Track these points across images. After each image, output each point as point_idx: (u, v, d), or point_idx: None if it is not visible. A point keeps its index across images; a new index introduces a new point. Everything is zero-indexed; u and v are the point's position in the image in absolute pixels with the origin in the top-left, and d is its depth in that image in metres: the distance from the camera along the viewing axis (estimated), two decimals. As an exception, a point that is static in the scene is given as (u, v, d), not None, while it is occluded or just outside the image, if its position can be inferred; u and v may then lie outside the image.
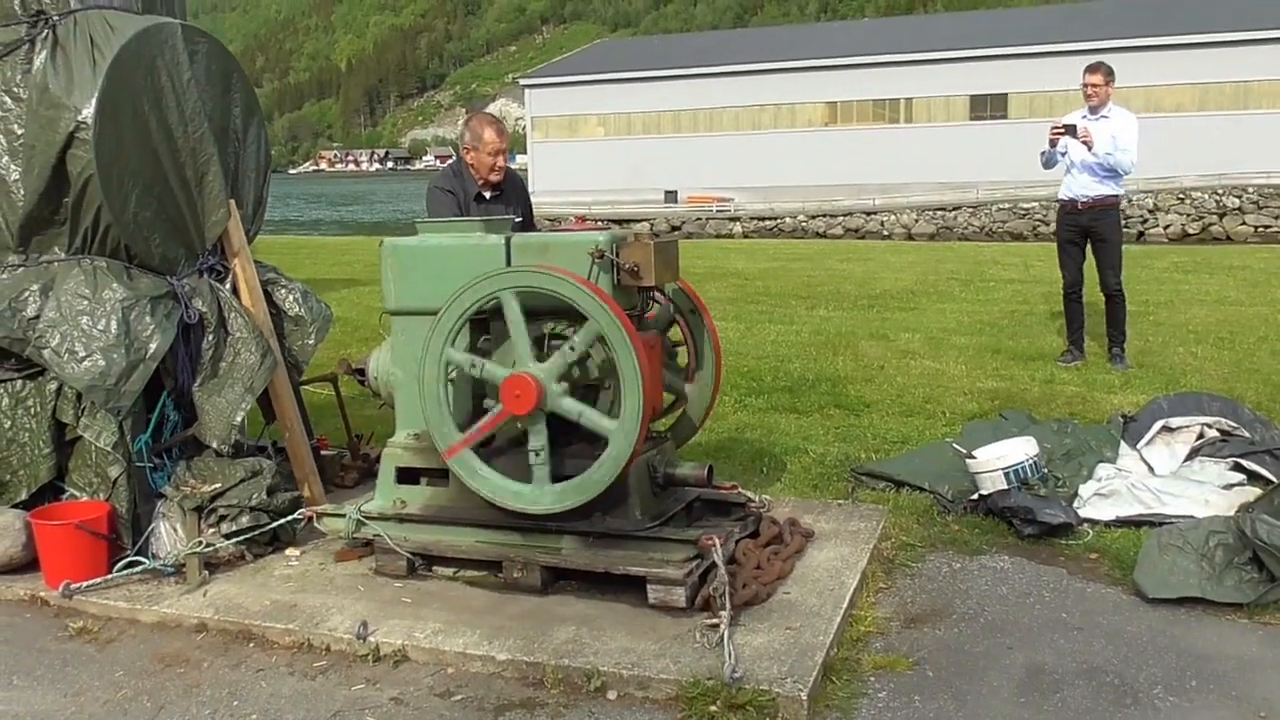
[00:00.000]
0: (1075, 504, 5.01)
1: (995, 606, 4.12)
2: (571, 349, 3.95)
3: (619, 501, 4.10)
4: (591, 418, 3.96)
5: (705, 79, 45.68)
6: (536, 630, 3.79)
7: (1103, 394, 7.31)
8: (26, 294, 4.51)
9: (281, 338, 5.23)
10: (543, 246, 4.19)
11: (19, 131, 4.59)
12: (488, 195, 5.38)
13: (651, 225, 38.54)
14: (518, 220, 5.26)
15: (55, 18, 4.64)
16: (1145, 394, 6.97)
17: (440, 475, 4.34)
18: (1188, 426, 5.65)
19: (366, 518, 4.39)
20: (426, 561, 4.35)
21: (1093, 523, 4.87)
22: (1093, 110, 8.07)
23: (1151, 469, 5.42)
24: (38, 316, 4.48)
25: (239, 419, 4.75)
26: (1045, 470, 5.16)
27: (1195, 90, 38.85)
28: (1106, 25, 41.83)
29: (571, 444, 4.13)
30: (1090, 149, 7.90)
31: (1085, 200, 8.08)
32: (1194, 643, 3.79)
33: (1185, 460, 5.45)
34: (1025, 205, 34.88)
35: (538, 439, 4.00)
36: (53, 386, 4.56)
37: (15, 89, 4.62)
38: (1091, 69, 8.12)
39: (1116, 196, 8.15)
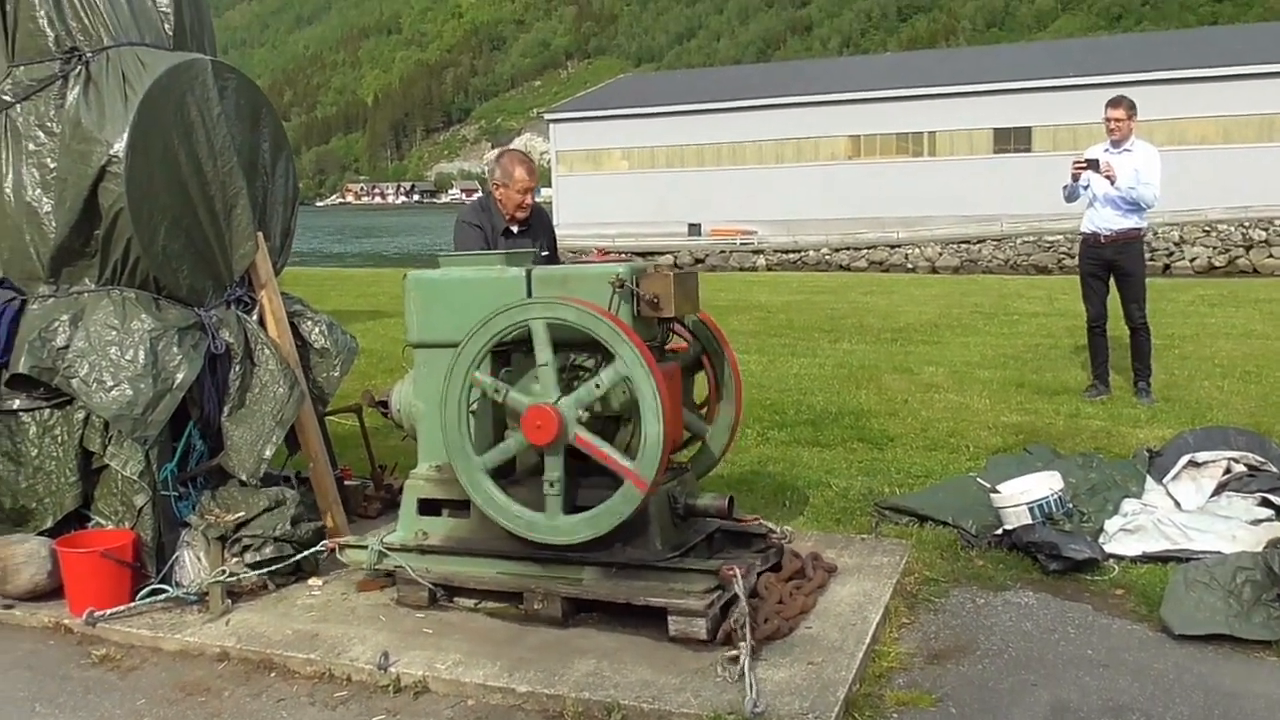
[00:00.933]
0: (1100, 539, 4.97)
1: (1019, 643, 4.08)
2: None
3: (639, 532, 4.10)
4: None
5: (728, 113, 45.88)
6: (557, 662, 3.78)
7: (1128, 428, 7.26)
8: (56, 324, 4.57)
9: (307, 369, 5.27)
10: (563, 278, 4.22)
11: (52, 165, 4.68)
12: (515, 230, 5.44)
13: (675, 258, 38.60)
14: (543, 254, 5.31)
15: (89, 54, 4.73)
16: (1171, 428, 6.92)
17: (462, 507, 4.35)
18: (1214, 461, 5.59)
19: (388, 549, 4.40)
20: (448, 592, 4.35)
21: (1118, 558, 4.83)
22: (1115, 144, 8.06)
23: (1178, 504, 5.37)
24: (67, 346, 4.54)
25: (269, 453, 4.78)
26: (1070, 505, 5.12)
27: (1220, 123, 38.72)
28: (1130, 58, 41.85)
29: (590, 475, 4.13)
30: (1113, 183, 7.88)
31: (1108, 234, 8.06)
32: (1221, 680, 3.74)
33: (1212, 495, 5.39)
34: (1050, 238, 34.74)
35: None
36: (80, 415, 4.61)
37: (49, 124, 4.71)
38: (1114, 103, 8.13)
39: (1140, 230, 8.13)
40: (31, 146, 4.72)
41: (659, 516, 4.15)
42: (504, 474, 4.23)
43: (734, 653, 3.69)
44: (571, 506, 4.08)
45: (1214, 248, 33.71)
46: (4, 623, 4.42)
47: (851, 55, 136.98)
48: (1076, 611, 4.36)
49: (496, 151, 6.04)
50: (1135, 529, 5.00)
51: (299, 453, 5.26)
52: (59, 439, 4.64)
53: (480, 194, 5.63)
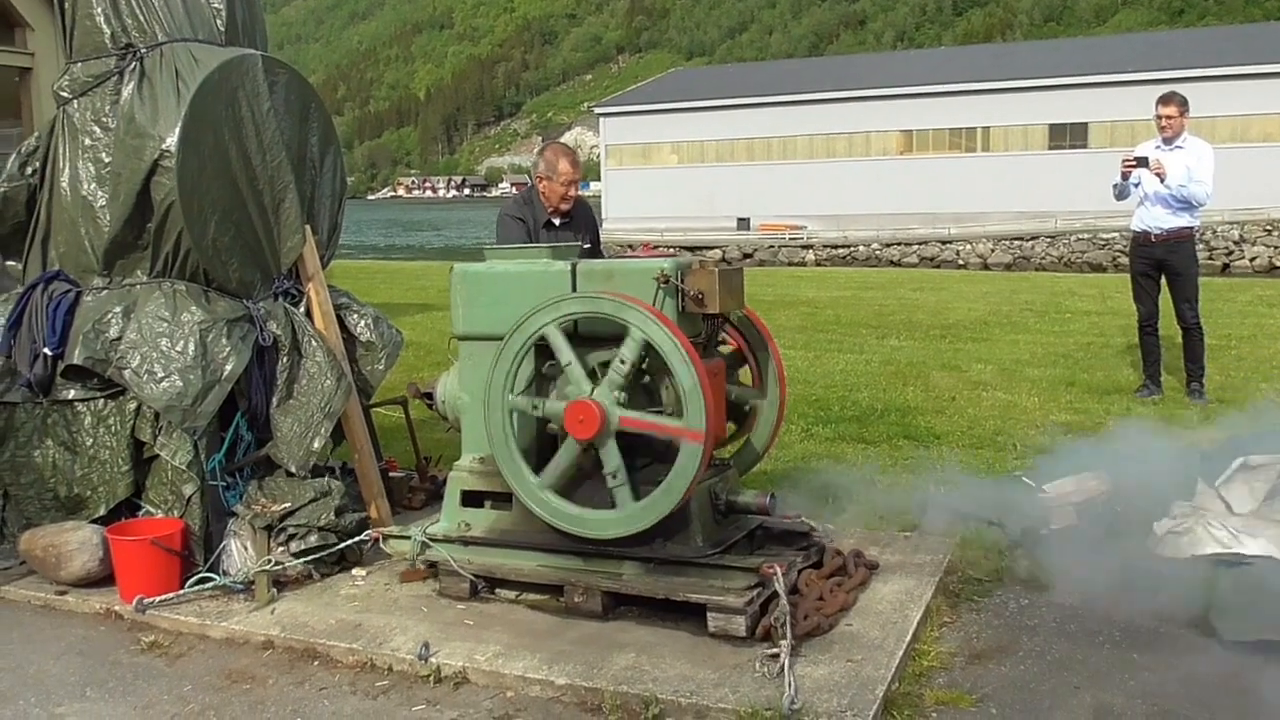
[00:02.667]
0: (1149, 542, 4.89)
1: (1063, 644, 4.04)
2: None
3: (681, 528, 4.10)
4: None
5: (779, 107, 45.66)
6: (596, 655, 3.80)
7: (1180, 429, 7.14)
8: (109, 316, 4.66)
9: (352, 361, 5.33)
10: (608, 273, 4.23)
11: (106, 160, 4.77)
12: (557, 222, 5.46)
13: (724, 253, 38.56)
14: (585, 247, 5.33)
15: (143, 50, 4.82)
16: (1225, 430, 6.79)
17: (504, 499, 4.38)
18: (1268, 465, 5.47)
19: (431, 540, 4.44)
20: (489, 584, 4.38)
21: (1167, 561, 4.75)
22: (1166, 141, 7.93)
23: (1230, 507, 5.26)
24: (119, 338, 4.62)
25: (317, 445, 4.84)
26: (1117, 507, 5.05)
27: (1283, 120, 37.93)
28: (1191, 54, 41.10)
29: (637, 468, 4.13)
30: (1163, 180, 7.75)
31: (1159, 233, 7.93)
32: (1272, 689, 3.66)
33: (1265, 499, 5.28)
34: (1105, 236, 34.28)
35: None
36: (132, 406, 4.69)
37: (104, 119, 4.80)
38: (1165, 100, 7.98)
39: (1191, 229, 7.99)
40: (87, 141, 4.82)
41: (700, 513, 4.15)
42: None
43: (773, 650, 3.68)
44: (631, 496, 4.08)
45: (1275, 247, 33.08)
46: (57, 608, 4.51)
47: (905, 50, 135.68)
48: (1122, 615, 4.28)
49: (542, 144, 6.07)
50: (1184, 532, 4.91)
51: (344, 443, 5.32)
52: (112, 429, 4.73)
53: (527, 186, 5.66)
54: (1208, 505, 5.28)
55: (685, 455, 3.90)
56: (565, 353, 4.03)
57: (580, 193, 5.56)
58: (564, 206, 5.43)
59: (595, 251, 5.53)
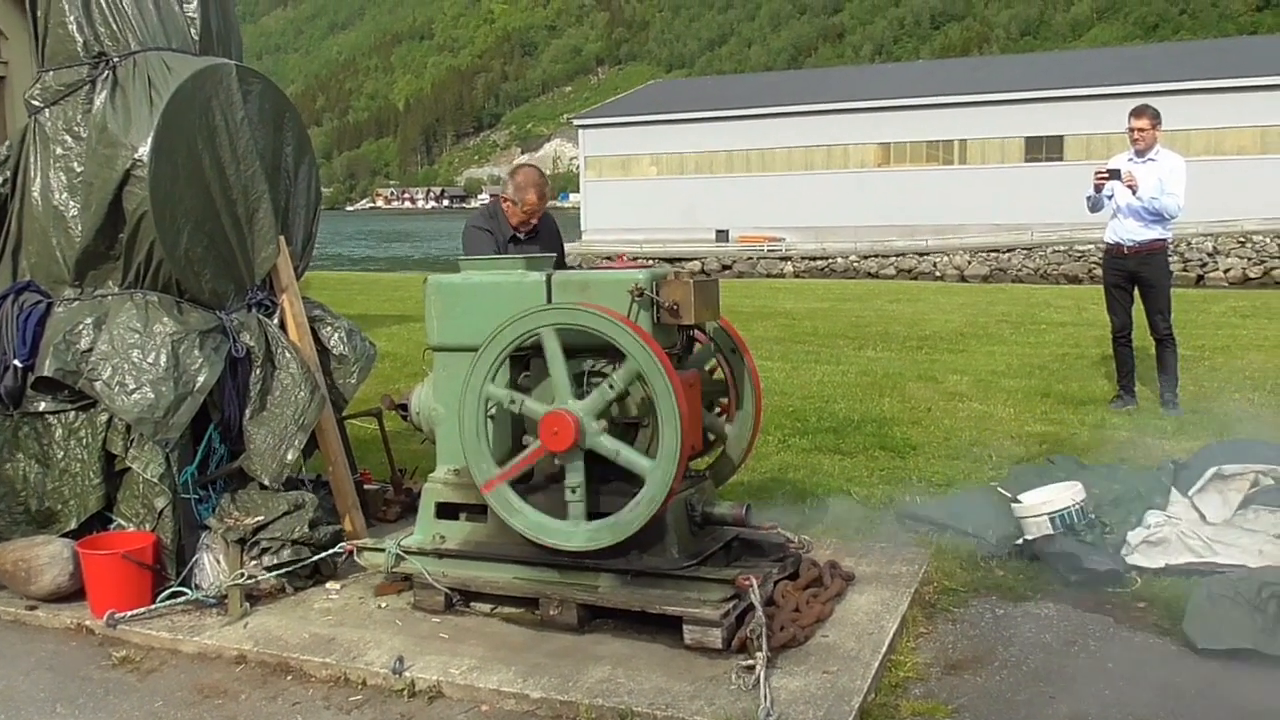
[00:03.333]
0: (1123, 551, 4.91)
1: (1038, 654, 4.04)
2: (611, 387, 3.96)
3: (656, 540, 4.09)
4: (629, 456, 3.96)
5: (758, 119, 45.82)
6: (572, 668, 3.78)
7: (1154, 439, 7.18)
8: (81, 327, 4.62)
9: (326, 374, 5.30)
10: (583, 284, 4.22)
11: (78, 169, 4.73)
12: (522, 237, 5.47)
13: (703, 264, 38.64)
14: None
15: (116, 59, 4.79)
16: (1198, 440, 6.83)
17: (479, 511, 4.36)
18: (1241, 474, 5.51)
19: (406, 552, 4.41)
20: (464, 597, 4.36)
21: (1141, 570, 4.77)
22: (1139, 154, 7.98)
23: (1203, 516, 5.30)
24: (91, 349, 4.58)
25: (290, 457, 4.80)
26: (1093, 516, 5.07)
27: (1256, 133, 38.31)
28: (1166, 68, 41.51)
29: (609, 481, 4.13)
30: (1135, 193, 7.81)
31: (1132, 245, 7.99)
32: (1246, 697, 3.68)
33: (1238, 509, 5.31)
34: (1081, 247, 34.54)
35: (575, 476, 4.01)
36: (104, 418, 4.65)
37: (76, 128, 4.76)
38: (1137, 112, 8.04)
39: (1164, 241, 8.04)
40: (59, 151, 4.78)
41: (676, 525, 4.14)
42: (522, 480, 4.23)
43: (749, 661, 3.67)
44: (592, 513, 4.07)
45: (1249, 259, 33.41)
46: (27, 623, 4.46)
47: (883, 63, 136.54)
48: (1097, 624, 4.31)
49: (518, 162, 6.08)
50: (1159, 541, 4.94)
51: (318, 455, 5.29)
52: (84, 441, 4.68)
53: (490, 200, 5.67)
54: (1182, 515, 5.31)
55: (648, 491, 3.91)
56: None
57: (546, 207, 5.55)
58: (522, 229, 5.45)
59: (560, 265, 5.53)
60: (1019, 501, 5.07)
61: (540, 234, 5.54)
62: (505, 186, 5.53)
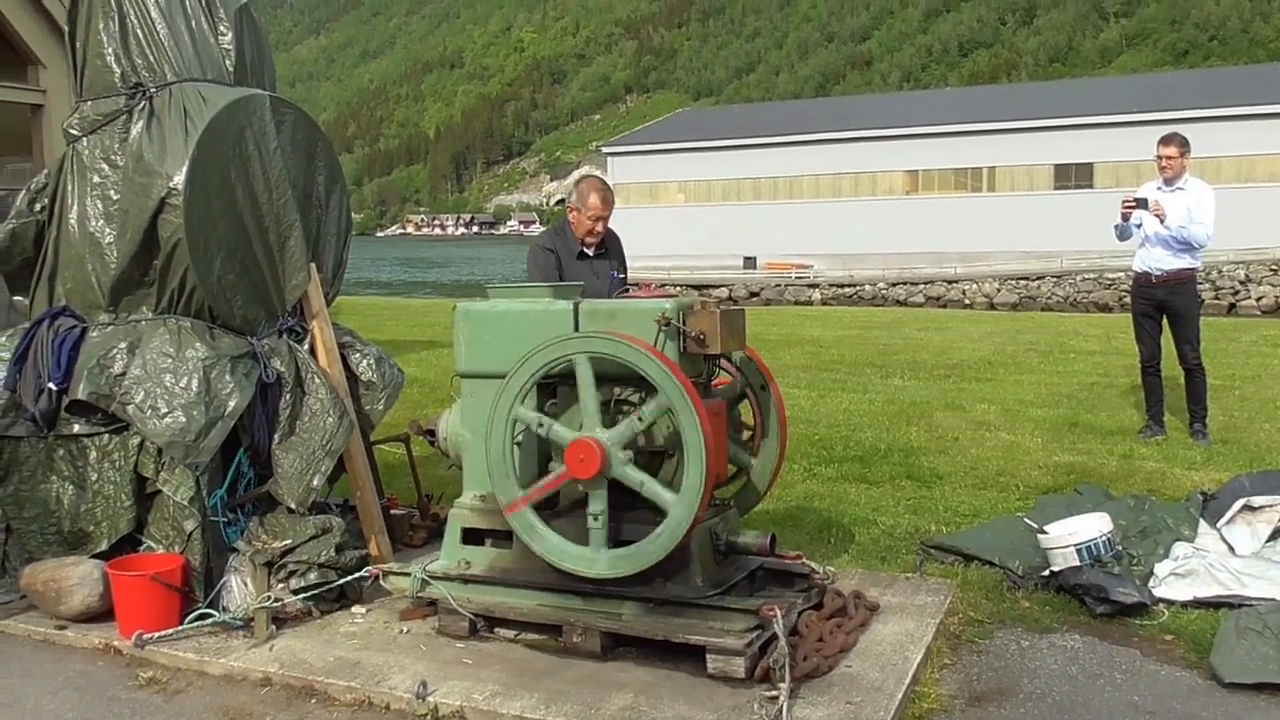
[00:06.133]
0: (1150, 583, 4.88)
1: (1064, 687, 4.02)
2: (640, 419, 3.98)
3: (680, 568, 4.09)
4: (653, 489, 3.98)
5: (786, 147, 45.96)
6: (594, 696, 3.79)
7: (1183, 470, 7.12)
8: (114, 351, 4.69)
9: (354, 399, 5.34)
10: (610, 313, 4.25)
11: (115, 197, 4.82)
12: (590, 252, 5.52)
13: (730, 291, 38.66)
14: (620, 276, 5.49)
15: (152, 89, 4.89)
16: (1227, 471, 6.78)
17: (504, 537, 4.38)
18: (1271, 506, 5.47)
19: (431, 577, 4.44)
20: (488, 623, 4.37)
21: (1168, 603, 4.74)
22: (1167, 182, 7.95)
23: (1232, 549, 5.26)
24: (124, 373, 4.65)
25: (317, 482, 4.84)
26: (1120, 548, 5.05)
27: (1289, 160, 38.06)
28: (1194, 95, 41.33)
29: (633, 509, 4.14)
30: (1163, 222, 7.77)
31: (1160, 274, 7.95)
32: (1273, 732, 3.65)
33: (1268, 541, 5.28)
34: (1111, 275, 34.31)
35: (598, 504, 4.02)
36: (136, 441, 4.71)
37: (113, 157, 4.86)
38: (1165, 140, 8.01)
39: (1192, 270, 7.99)
40: (96, 179, 4.88)
41: (700, 553, 4.15)
42: (547, 506, 4.26)
43: (772, 691, 3.67)
44: (615, 540, 4.09)
45: (1281, 286, 33.05)
46: (56, 643, 4.51)
47: (911, 90, 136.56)
48: (1124, 656, 4.28)
49: (581, 172, 6.16)
50: (1186, 573, 4.90)
51: (344, 476, 5.33)
52: (116, 464, 4.75)
53: (536, 224, 5.73)
54: (1210, 547, 5.28)
55: (671, 522, 3.92)
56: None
57: (611, 216, 5.60)
58: (589, 240, 5.50)
59: (624, 281, 5.60)
60: (1045, 532, 5.05)
61: (609, 250, 5.61)
62: (570, 196, 5.61)
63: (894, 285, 38.14)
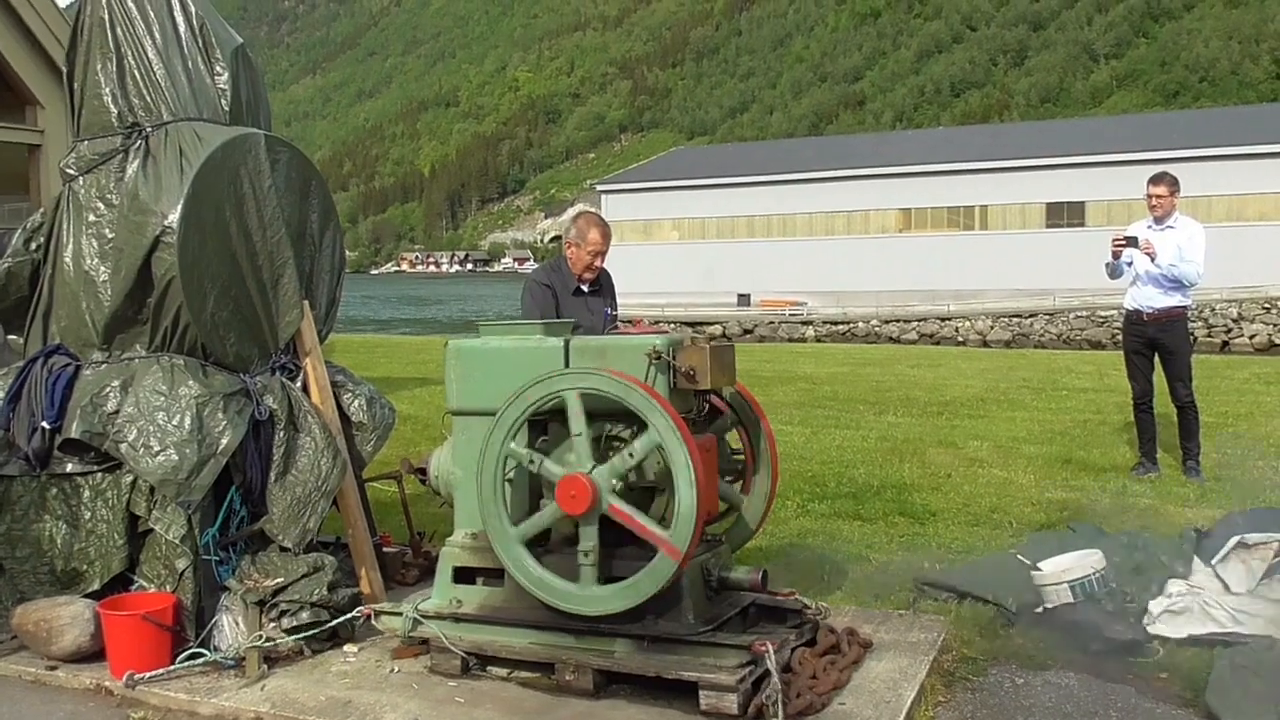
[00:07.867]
0: (1145, 620, 4.87)
1: (1058, 725, 4.00)
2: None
3: (672, 604, 4.09)
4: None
5: (779, 185, 46.25)
6: (586, 735, 3.77)
7: (1176, 507, 7.13)
8: (108, 389, 4.70)
9: (346, 438, 5.34)
10: (601, 349, 4.27)
11: (110, 235, 4.84)
12: (585, 289, 5.54)
13: (724, 328, 38.75)
14: (613, 314, 5.51)
15: (148, 129, 4.92)
16: (1221, 508, 6.79)
17: (496, 575, 4.37)
18: (1265, 543, 5.46)
19: (423, 616, 4.42)
20: (481, 661, 4.36)
21: (1163, 640, 4.73)
22: (1158, 221, 8.02)
23: (1226, 586, 5.25)
24: (117, 411, 4.65)
25: (313, 524, 4.84)
26: (1113, 585, 5.04)
27: (1279, 199, 38.35)
28: (1185, 135, 41.71)
29: (624, 545, 4.14)
30: (1153, 260, 7.83)
31: (1151, 312, 8.00)
32: (1268, 769, 3.63)
33: (1262, 578, 5.26)
34: (1104, 313, 34.48)
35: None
36: (128, 479, 4.70)
37: (109, 195, 4.88)
38: (1155, 180, 8.09)
39: (1183, 308, 8.05)
40: (91, 218, 4.90)
41: (692, 589, 4.14)
42: (539, 543, 4.25)
43: (765, 729, 3.65)
44: (606, 577, 4.08)
45: (1274, 325, 33.23)
46: (47, 684, 4.48)
47: (904, 130, 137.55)
48: (1119, 694, 4.27)
49: (577, 209, 6.20)
50: (1181, 610, 4.90)
51: (335, 514, 5.32)
52: (109, 502, 4.74)
53: (530, 260, 5.76)
54: (1204, 584, 5.26)
55: (661, 562, 3.92)
56: (579, 422, 4.04)
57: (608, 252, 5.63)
58: (587, 275, 5.52)
59: (614, 319, 5.63)
60: (1039, 569, 5.05)
61: (603, 287, 5.63)
62: (567, 232, 5.63)
63: (887, 322, 38.28)
